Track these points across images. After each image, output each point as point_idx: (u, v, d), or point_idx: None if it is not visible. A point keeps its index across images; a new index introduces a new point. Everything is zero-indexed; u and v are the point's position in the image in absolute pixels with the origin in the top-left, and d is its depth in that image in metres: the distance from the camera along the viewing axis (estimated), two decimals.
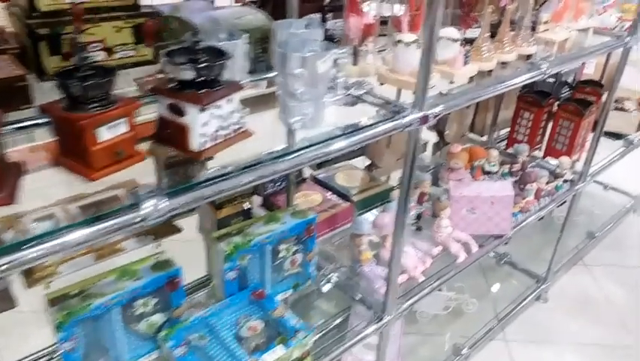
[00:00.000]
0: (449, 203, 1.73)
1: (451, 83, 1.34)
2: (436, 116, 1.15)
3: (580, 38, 1.80)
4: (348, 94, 1.24)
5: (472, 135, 2.50)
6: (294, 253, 1.43)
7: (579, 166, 2.21)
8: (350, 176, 2.04)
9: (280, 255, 1.40)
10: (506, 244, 1.91)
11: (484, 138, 2.46)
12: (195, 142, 0.90)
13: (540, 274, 2.48)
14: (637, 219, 3.14)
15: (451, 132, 2.37)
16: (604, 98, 2.34)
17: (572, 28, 1.76)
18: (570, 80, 2.85)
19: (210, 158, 0.95)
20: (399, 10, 1.41)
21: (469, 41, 1.65)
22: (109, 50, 1.31)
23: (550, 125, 2.25)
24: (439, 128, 2.29)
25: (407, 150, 1.18)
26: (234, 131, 0.98)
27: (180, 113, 0.90)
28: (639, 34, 1.81)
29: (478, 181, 1.85)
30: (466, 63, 1.35)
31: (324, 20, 1.49)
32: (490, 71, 1.44)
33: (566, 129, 2.17)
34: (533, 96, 2.20)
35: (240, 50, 1.06)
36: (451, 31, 1.33)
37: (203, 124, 0.90)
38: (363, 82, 1.28)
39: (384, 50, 1.43)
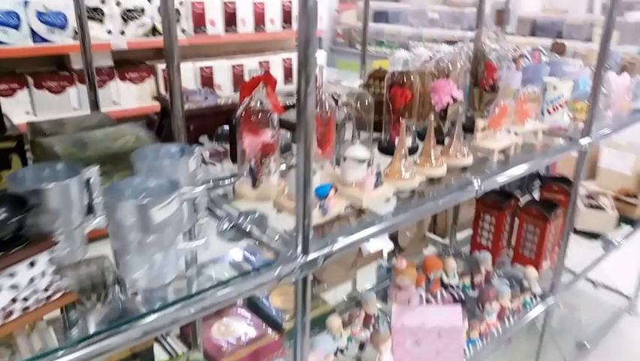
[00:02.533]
0: (390, 334, 1.49)
1: (360, 210, 1.14)
2: (325, 259, 0.95)
3: (528, 142, 1.64)
4: (232, 226, 1.05)
5: (433, 236, 2.29)
6: None
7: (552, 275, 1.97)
8: (287, 295, 1.81)
9: None
10: None
11: (447, 241, 2.25)
12: None
13: None
14: (632, 322, 2.83)
15: (409, 235, 2.16)
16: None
17: (518, 131, 1.59)
18: (543, 171, 2.68)
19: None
20: None
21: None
22: None
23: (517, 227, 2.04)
24: (391, 233, 2.09)
25: (295, 303, 0.97)
26: (46, 300, 0.77)
27: None
28: (594, 135, 1.64)
29: (423, 306, 1.61)
30: (378, 185, 1.17)
31: (233, 133, 1.32)
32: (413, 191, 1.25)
33: (532, 234, 1.95)
34: (493, 198, 2.01)
35: (78, 187, 0.88)
36: (358, 150, 1.16)
37: None
38: (253, 211, 1.09)
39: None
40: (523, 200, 2.36)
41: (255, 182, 1.18)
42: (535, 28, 4.93)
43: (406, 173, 1.24)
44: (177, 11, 3.40)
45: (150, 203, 0.78)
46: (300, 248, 0.92)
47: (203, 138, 1.54)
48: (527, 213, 1.95)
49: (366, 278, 2.09)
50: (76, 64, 3.22)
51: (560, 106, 1.72)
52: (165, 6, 1.12)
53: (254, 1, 3.63)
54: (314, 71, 0.84)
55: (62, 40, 3.04)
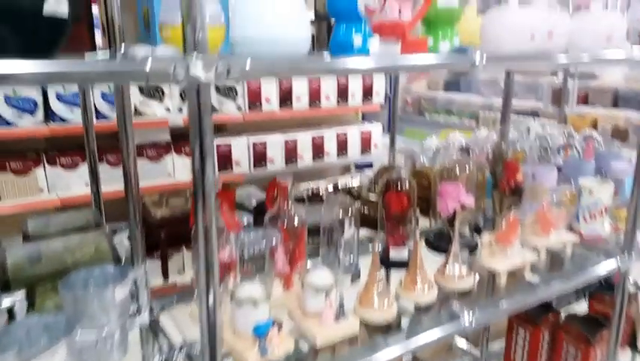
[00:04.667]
0: None
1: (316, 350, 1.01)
2: None
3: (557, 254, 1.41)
4: None
5: (464, 344, 2.04)
6: None
7: None
8: None
9: None
10: None
11: (478, 351, 1.99)
12: None
13: None
14: None
15: None
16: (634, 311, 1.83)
17: (541, 244, 1.39)
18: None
19: None
20: (273, 240, 1.16)
21: (397, 264, 1.35)
22: None
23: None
24: None
25: None
26: None
27: None
28: (636, 253, 1.38)
29: None
30: (340, 317, 1.03)
31: None
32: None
33: (574, 358, 1.67)
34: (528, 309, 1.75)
35: None
36: (318, 276, 1.04)
37: None
38: (194, 344, 1.00)
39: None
40: (576, 307, 2.06)
41: None
42: (617, 99, 4.55)
43: (379, 302, 1.09)
44: (234, 89, 3.53)
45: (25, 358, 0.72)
46: None
47: None
48: (568, 332, 1.68)
49: None
50: (135, 139, 3.40)
51: (599, 213, 1.49)
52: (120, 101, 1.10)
53: (309, 78, 3.68)
54: (212, 159, 0.76)
55: None
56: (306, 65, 0.80)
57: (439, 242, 1.47)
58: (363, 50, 0.88)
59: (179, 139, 3.45)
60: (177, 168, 3.47)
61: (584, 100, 4.65)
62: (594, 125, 3.95)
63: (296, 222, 1.15)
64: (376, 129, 4.06)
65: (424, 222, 1.65)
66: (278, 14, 0.75)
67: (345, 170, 4.24)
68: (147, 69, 0.66)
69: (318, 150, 3.84)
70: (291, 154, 3.75)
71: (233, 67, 0.69)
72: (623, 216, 1.50)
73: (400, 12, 1.03)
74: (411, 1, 1.05)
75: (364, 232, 1.61)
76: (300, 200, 1.67)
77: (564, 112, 2.62)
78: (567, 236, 1.43)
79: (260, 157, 3.66)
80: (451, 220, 1.46)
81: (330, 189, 1.89)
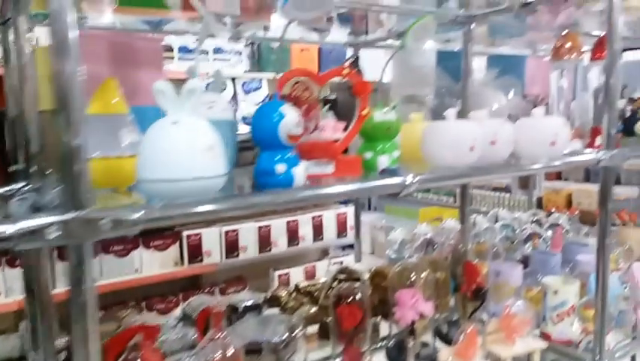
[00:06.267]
0: None
1: None
2: None
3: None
4: None
5: None
6: None
7: None
8: None
9: None
10: None
11: None
12: None
13: None
14: None
15: None
16: None
17: (506, 355, 1.30)
18: None
19: None
20: None
21: None
22: None
23: None
24: None
25: None
26: None
27: None
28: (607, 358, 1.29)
29: None
30: None
31: None
32: None
33: None
34: None
35: None
36: None
37: None
38: None
39: None
40: None
41: None
42: (589, 174, 4.61)
43: None
44: None
45: None
46: None
47: None
48: None
49: None
50: None
51: (566, 314, 1.42)
52: None
53: None
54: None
55: None
56: (207, 210, 0.74)
57: (398, 355, 1.38)
58: (287, 178, 0.84)
59: (149, 232, 3.36)
60: (145, 263, 3.34)
61: (558, 175, 4.70)
62: (569, 201, 3.95)
63: (231, 354, 1.06)
64: (352, 211, 4.02)
65: (387, 328, 1.56)
66: (181, 156, 0.71)
67: (323, 254, 4.15)
68: (7, 233, 0.59)
69: (292, 235, 3.77)
70: (264, 241, 3.67)
71: (122, 218, 0.64)
72: (590, 316, 1.42)
73: (333, 131, 1.01)
74: (345, 121, 1.03)
75: (323, 343, 1.52)
76: (254, 308, 1.57)
77: (532, 196, 2.63)
78: (534, 343, 1.34)
79: (232, 246, 3.56)
80: (411, 330, 1.38)
81: (296, 283, 1.80)
